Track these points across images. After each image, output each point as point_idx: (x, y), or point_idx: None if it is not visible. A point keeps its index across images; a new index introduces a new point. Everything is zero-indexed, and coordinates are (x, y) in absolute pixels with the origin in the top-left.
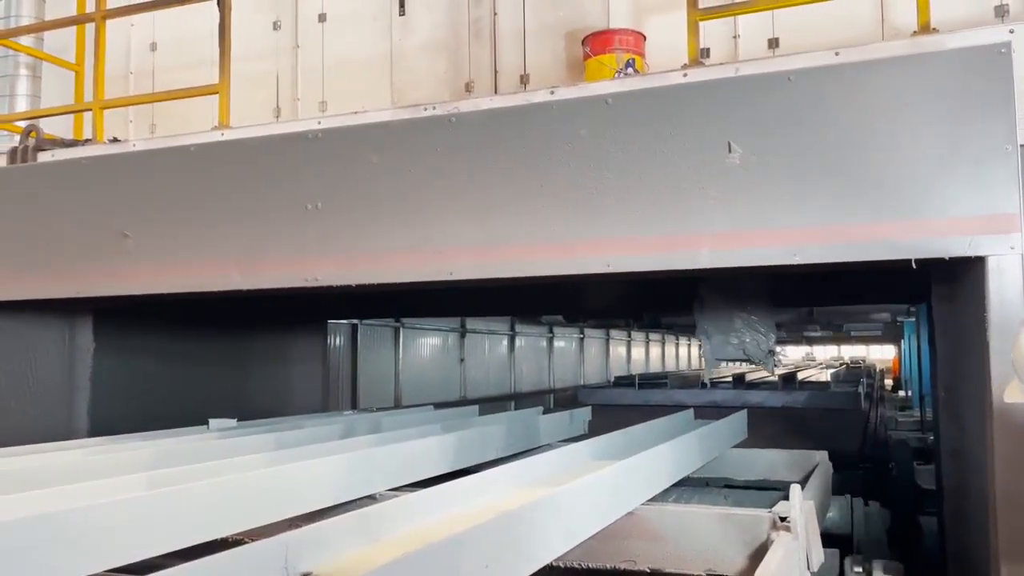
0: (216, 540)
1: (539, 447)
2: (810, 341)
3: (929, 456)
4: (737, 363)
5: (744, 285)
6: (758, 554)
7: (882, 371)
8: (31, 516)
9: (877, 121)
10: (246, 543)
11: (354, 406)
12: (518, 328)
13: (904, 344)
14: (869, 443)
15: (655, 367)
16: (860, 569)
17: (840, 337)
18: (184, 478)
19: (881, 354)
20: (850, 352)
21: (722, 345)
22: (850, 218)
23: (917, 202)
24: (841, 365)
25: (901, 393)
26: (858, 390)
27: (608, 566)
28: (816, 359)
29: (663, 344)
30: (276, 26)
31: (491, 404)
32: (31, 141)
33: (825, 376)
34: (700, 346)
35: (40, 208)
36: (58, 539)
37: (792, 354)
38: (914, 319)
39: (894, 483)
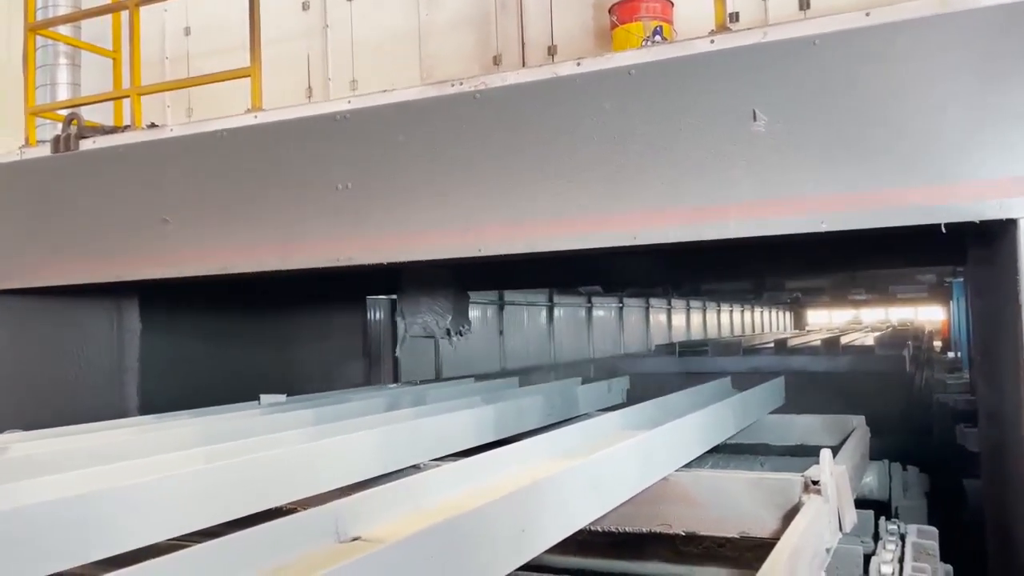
0: (272, 509)
1: (577, 417)
2: (856, 304)
3: (976, 418)
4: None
5: (436, 275)
6: (790, 516)
7: (931, 332)
8: (100, 489)
9: (905, 83)
10: (299, 511)
11: (396, 379)
12: (556, 299)
13: (952, 305)
14: (913, 407)
15: (696, 334)
16: (894, 527)
17: (887, 299)
18: (240, 451)
19: (930, 315)
20: (898, 314)
21: (411, 324)
22: (878, 184)
23: (946, 165)
24: (888, 328)
25: (950, 355)
26: (902, 353)
27: (644, 530)
28: (862, 322)
29: (704, 311)
30: (305, 7)
31: (532, 374)
32: (73, 129)
33: (870, 340)
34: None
35: (84, 195)
36: (126, 511)
37: (837, 318)
38: (962, 279)
39: (936, 447)
